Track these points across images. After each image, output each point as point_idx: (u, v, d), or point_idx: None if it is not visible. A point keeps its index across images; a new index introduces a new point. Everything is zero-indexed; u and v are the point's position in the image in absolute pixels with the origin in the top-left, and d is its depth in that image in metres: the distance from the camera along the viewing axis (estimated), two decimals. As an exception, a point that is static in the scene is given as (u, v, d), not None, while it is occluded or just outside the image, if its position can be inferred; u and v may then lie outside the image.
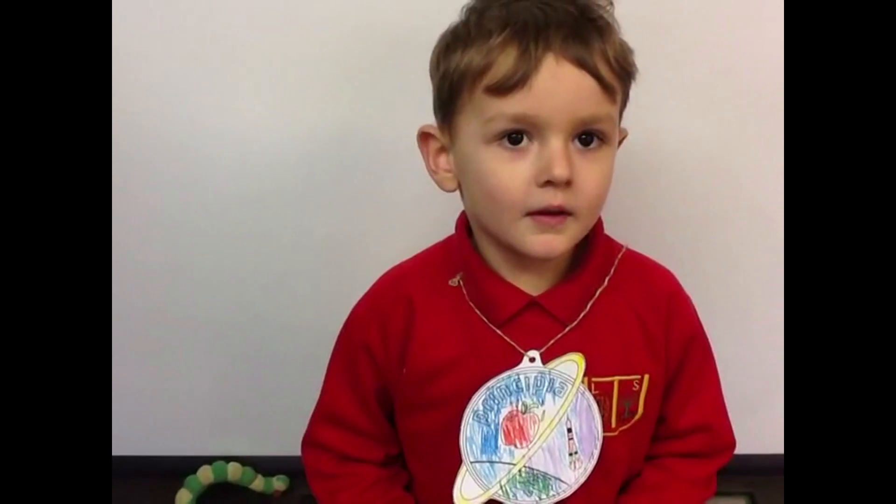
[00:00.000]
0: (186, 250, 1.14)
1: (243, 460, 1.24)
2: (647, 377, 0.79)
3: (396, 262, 0.84)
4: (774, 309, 1.08)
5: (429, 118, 0.77)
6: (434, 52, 0.75)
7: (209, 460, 1.22)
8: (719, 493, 0.85)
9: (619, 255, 0.81)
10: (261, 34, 1.02)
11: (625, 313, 0.79)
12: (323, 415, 0.85)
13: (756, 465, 1.09)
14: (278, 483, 1.25)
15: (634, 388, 0.78)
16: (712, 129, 1.07)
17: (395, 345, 0.79)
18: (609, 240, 0.81)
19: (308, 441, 0.87)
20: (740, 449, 0.87)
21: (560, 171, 0.67)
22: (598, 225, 0.78)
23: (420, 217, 1.04)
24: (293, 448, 1.23)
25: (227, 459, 1.23)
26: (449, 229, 0.83)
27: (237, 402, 1.23)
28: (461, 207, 0.81)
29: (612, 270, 0.79)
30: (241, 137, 1.07)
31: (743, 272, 1.16)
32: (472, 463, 0.75)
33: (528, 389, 0.75)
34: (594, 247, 0.78)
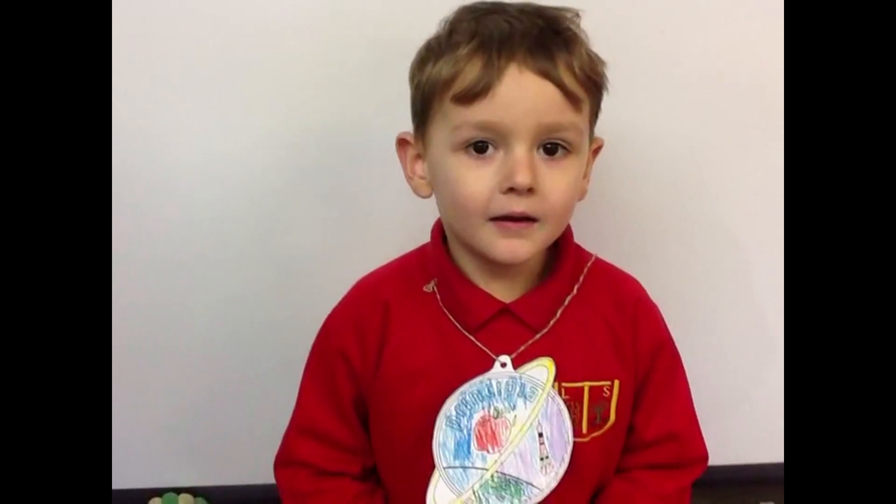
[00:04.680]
0: (135, 274, 1.09)
1: (195, 491, 1.20)
2: (617, 383, 0.79)
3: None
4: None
5: (405, 126, 0.78)
6: (412, 64, 0.77)
7: (159, 492, 1.18)
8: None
9: (589, 264, 0.82)
10: (240, 39, 1.00)
11: (594, 320, 0.80)
12: (299, 429, 0.82)
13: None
14: (231, 515, 1.21)
15: (605, 395, 0.79)
16: (697, 132, 1.07)
17: (372, 350, 0.78)
18: (579, 248, 0.82)
19: (282, 460, 0.83)
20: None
21: (522, 179, 0.69)
22: (568, 233, 0.80)
23: (392, 230, 1.03)
24: (246, 477, 1.21)
25: (178, 491, 1.19)
26: (422, 239, 0.83)
27: (187, 433, 1.19)
28: (431, 219, 0.82)
29: (582, 278, 0.81)
30: (217, 145, 1.04)
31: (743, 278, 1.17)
32: (444, 468, 0.75)
33: (499, 394, 0.76)
34: (564, 255, 0.80)
